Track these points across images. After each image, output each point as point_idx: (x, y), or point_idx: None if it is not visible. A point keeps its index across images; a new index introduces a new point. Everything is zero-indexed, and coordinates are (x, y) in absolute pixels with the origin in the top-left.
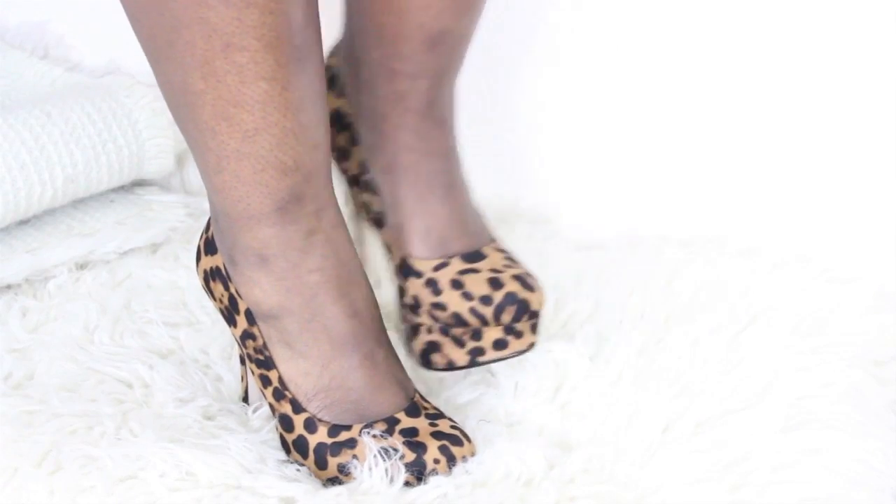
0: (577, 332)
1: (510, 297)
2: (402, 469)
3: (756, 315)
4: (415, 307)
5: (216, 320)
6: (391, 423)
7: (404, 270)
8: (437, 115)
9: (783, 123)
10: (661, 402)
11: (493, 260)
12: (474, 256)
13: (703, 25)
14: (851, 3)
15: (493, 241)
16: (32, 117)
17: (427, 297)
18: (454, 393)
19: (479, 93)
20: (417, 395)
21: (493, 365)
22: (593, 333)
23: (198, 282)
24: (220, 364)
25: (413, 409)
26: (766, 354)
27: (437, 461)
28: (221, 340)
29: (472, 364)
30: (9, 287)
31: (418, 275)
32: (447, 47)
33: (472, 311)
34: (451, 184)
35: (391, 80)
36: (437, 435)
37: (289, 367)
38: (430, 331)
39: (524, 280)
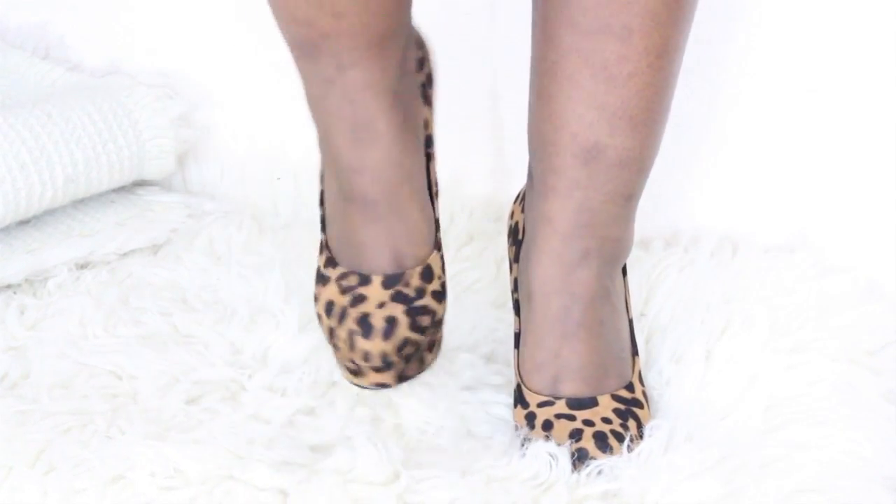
0: None
1: (581, 454)
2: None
3: (744, 310)
4: (516, 427)
5: (215, 315)
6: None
7: (515, 396)
8: (583, 246)
9: (769, 113)
10: (657, 413)
11: (599, 410)
12: (582, 403)
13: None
14: (849, 1)
15: (624, 388)
16: (33, 117)
17: (523, 430)
18: (462, 397)
19: (478, 92)
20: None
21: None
22: None
23: (199, 280)
24: (208, 333)
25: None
26: (755, 350)
27: None
28: (213, 317)
29: None
30: (8, 286)
31: (525, 405)
32: (603, 166)
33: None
34: (584, 325)
35: (545, 199)
36: None
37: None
38: None
39: (605, 440)
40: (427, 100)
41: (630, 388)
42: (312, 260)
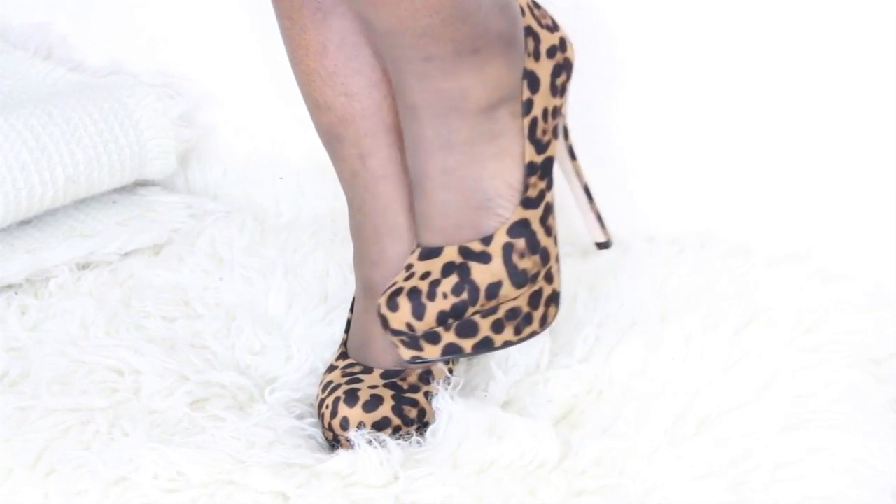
0: (574, 337)
1: (376, 307)
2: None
3: (754, 314)
4: None
5: (216, 314)
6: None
7: None
8: (408, 102)
9: (775, 120)
10: (664, 401)
11: (431, 264)
12: (430, 253)
13: (693, 19)
14: (851, 3)
15: (479, 240)
16: (34, 117)
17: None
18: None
19: None
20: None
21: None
22: (592, 338)
23: (201, 281)
24: (213, 342)
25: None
26: (766, 353)
27: None
28: (216, 325)
29: None
30: (9, 286)
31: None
32: (379, 37)
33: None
34: (425, 176)
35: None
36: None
37: None
38: None
39: (393, 296)
40: None
41: (487, 240)
42: (314, 261)
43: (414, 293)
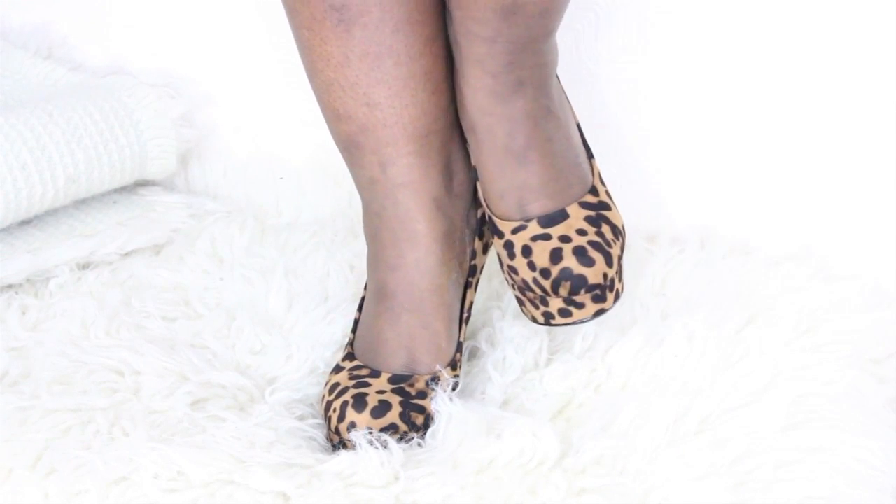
0: (573, 335)
1: (565, 273)
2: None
3: (754, 313)
4: (501, 264)
5: (217, 314)
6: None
7: (490, 227)
8: (515, 78)
9: (776, 120)
10: (664, 400)
11: (572, 222)
12: (552, 219)
13: (696, 19)
14: (851, 3)
15: (587, 193)
16: (34, 117)
17: (504, 259)
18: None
19: None
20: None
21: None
22: (591, 335)
23: (202, 282)
24: (213, 342)
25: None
26: (766, 353)
27: None
28: (216, 325)
29: (548, 324)
30: (9, 286)
31: (500, 235)
32: (522, 19)
33: (535, 281)
34: (533, 146)
35: (470, 42)
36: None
37: None
38: (513, 287)
39: (584, 254)
40: (482, 235)
41: (594, 191)
42: (315, 261)
43: (595, 245)
